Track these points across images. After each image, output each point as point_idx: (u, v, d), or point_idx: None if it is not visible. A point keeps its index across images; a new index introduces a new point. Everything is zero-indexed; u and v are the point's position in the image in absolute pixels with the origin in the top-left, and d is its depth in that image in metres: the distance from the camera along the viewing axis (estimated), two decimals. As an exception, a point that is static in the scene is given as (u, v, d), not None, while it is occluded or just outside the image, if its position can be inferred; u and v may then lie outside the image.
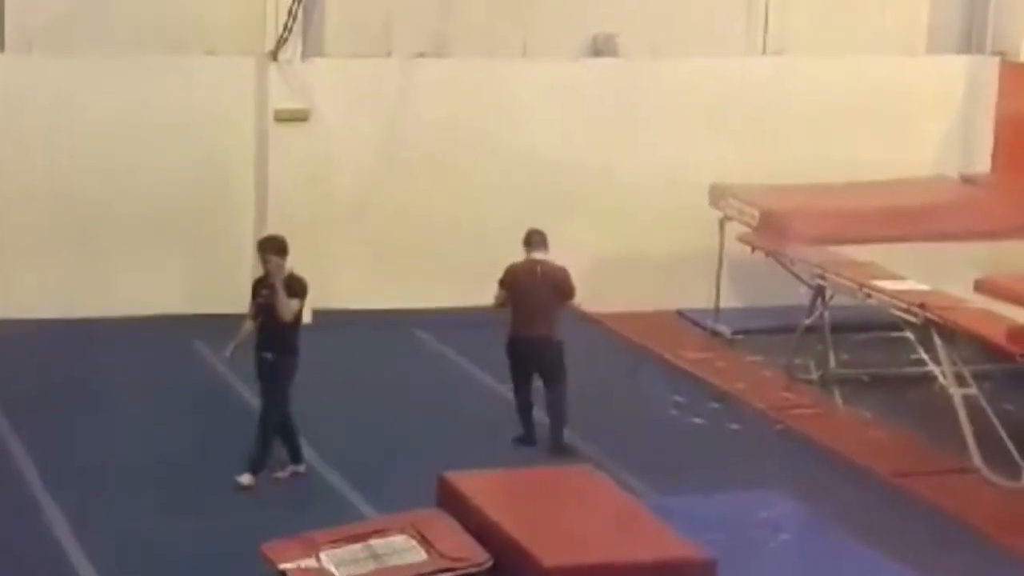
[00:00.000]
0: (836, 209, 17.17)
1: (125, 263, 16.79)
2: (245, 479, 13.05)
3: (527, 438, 14.29)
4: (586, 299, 15.72)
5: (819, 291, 16.17)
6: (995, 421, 13.95)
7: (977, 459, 13.85)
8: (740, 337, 17.65)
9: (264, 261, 13.27)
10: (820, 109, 18.77)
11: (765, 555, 11.35)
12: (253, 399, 15.03)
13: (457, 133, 17.96)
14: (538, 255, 14.26)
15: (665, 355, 16.93)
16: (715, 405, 15.57)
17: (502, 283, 14.22)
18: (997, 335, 13.79)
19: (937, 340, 14.39)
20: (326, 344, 16.80)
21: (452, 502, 10.89)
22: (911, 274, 15.38)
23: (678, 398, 15.67)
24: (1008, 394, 15.14)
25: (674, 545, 10.26)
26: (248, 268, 17.63)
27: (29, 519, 12.32)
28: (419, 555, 10.26)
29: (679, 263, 18.22)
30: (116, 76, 17.13)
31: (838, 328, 16.47)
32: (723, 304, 18.06)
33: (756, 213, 17.10)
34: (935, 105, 19.36)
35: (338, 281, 17.69)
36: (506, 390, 15.07)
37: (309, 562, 10.23)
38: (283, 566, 10.20)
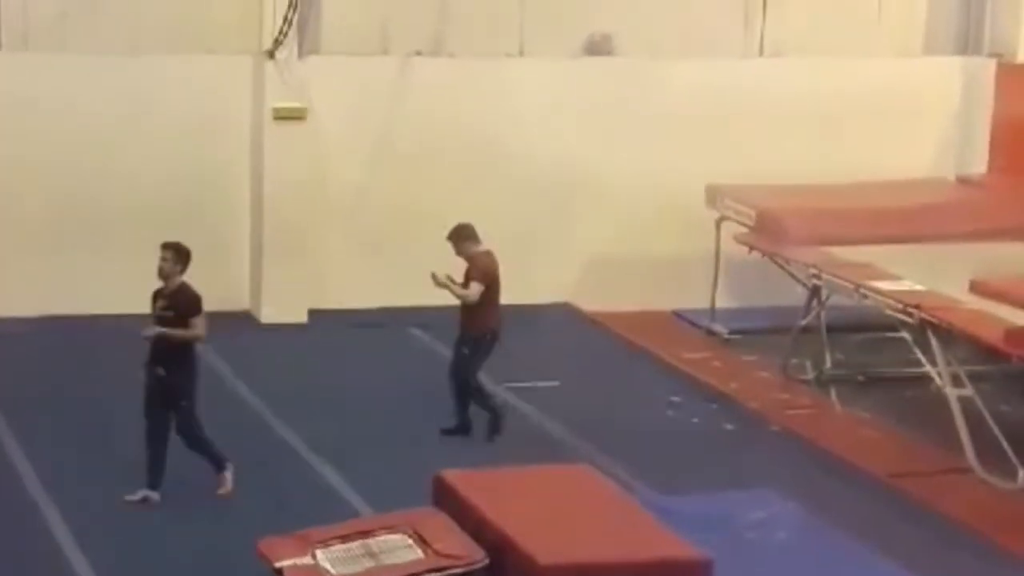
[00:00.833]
0: (832, 210, 17.18)
1: (122, 261, 16.76)
2: (227, 485, 12.74)
3: (464, 428, 14.29)
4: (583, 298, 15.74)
5: (815, 291, 16.18)
6: (991, 422, 13.94)
7: (972, 460, 13.85)
8: (736, 337, 17.65)
9: (161, 260, 12.52)
10: (817, 110, 18.77)
11: (761, 554, 11.38)
12: (251, 397, 15.07)
13: (454, 132, 17.96)
14: (482, 246, 14.31)
15: (661, 355, 16.93)
16: (711, 405, 15.57)
17: (484, 277, 14.19)
18: (993, 336, 13.81)
19: (933, 341, 14.39)
20: (322, 342, 16.84)
21: (448, 500, 10.90)
22: (907, 275, 15.41)
23: (674, 398, 15.67)
24: (1004, 395, 15.14)
25: (670, 544, 10.27)
26: (244, 266, 17.67)
27: (28, 519, 12.30)
28: (415, 553, 10.26)
29: (675, 263, 18.23)
30: (113, 74, 17.11)
31: (834, 328, 16.47)
32: (719, 304, 18.07)
33: (752, 213, 17.12)
34: (932, 107, 19.37)
35: (334, 279, 17.71)
36: (502, 388, 15.09)
37: (305, 560, 10.23)
38: (279, 564, 10.20)
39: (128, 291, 16.74)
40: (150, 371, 12.52)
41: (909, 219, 17.10)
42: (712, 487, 12.79)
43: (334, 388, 15.37)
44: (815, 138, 18.68)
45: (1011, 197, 17.98)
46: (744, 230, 17.21)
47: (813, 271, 16.00)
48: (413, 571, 10.10)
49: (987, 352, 14.21)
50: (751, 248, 16.86)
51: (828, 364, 16.48)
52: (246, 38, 17.43)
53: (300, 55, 17.33)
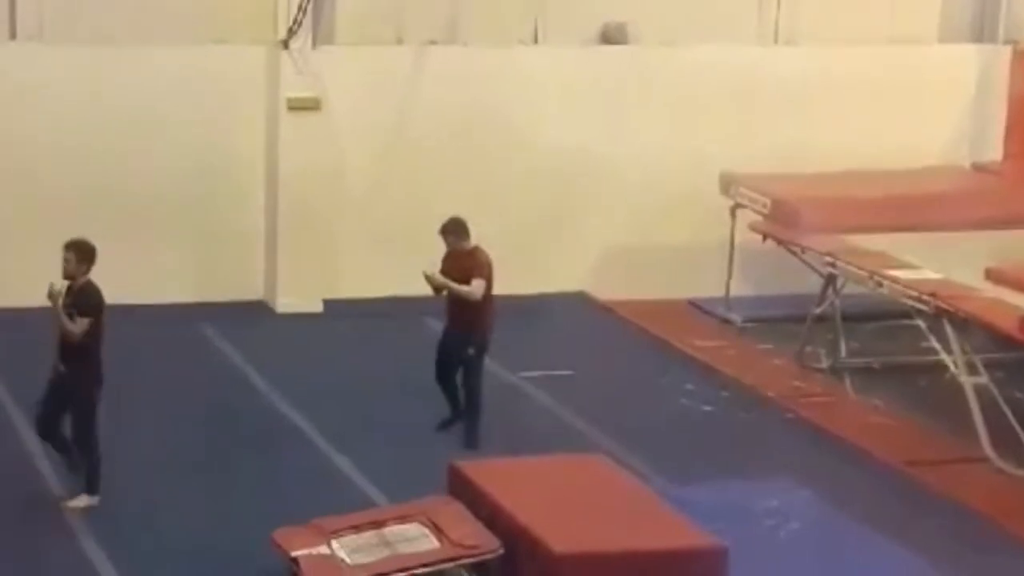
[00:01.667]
0: (847, 198, 17.16)
1: (135, 251, 16.77)
2: (82, 501, 12.26)
3: (459, 415, 14.06)
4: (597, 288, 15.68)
5: (830, 279, 16.16)
6: (1006, 410, 13.94)
7: (988, 448, 13.84)
8: (751, 325, 17.64)
9: (64, 261, 12.22)
10: (832, 98, 18.73)
11: (776, 543, 11.36)
12: (265, 386, 15.08)
13: (468, 121, 17.95)
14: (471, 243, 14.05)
15: (676, 343, 16.92)
16: (725, 393, 15.56)
17: (488, 273, 13.90)
18: (1009, 324, 13.80)
19: (948, 329, 14.39)
20: (337, 332, 16.86)
21: (463, 490, 10.91)
22: (922, 263, 15.39)
23: (689, 386, 15.66)
24: (1019, 383, 15.11)
25: (685, 533, 10.28)
26: (259, 256, 17.68)
27: (41, 508, 12.33)
28: (431, 543, 10.29)
29: (690, 251, 18.22)
30: (127, 65, 17.12)
31: (849, 317, 16.45)
32: (734, 292, 18.06)
33: (767, 201, 17.10)
34: (947, 94, 19.31)
35: (349, 269, 17.72)
36: (517, 378, 15.09)
37: (321, 549, 10.26)
38: (295, 553, 10.23)
39: (142, 281, 16.84)
40: (54, 366, 12.35)
41: (924, 207, 17.07)
42: (727, 475, 12.79)
43: (349, 377, 15.37)
44: (830, 125, 18.63)
45: (1026, 184, 17.97)
46: (759, 218, 17.20)
47: (828, 259, 15.98)
48: (429, 560, 10.12)
49: (1002, 340, 14.20)
50: (766, 236, 16.83)
51: (843, 352, 16.46)
52: (260, 28, 17.43)
53: (314, 45, 17.32)
